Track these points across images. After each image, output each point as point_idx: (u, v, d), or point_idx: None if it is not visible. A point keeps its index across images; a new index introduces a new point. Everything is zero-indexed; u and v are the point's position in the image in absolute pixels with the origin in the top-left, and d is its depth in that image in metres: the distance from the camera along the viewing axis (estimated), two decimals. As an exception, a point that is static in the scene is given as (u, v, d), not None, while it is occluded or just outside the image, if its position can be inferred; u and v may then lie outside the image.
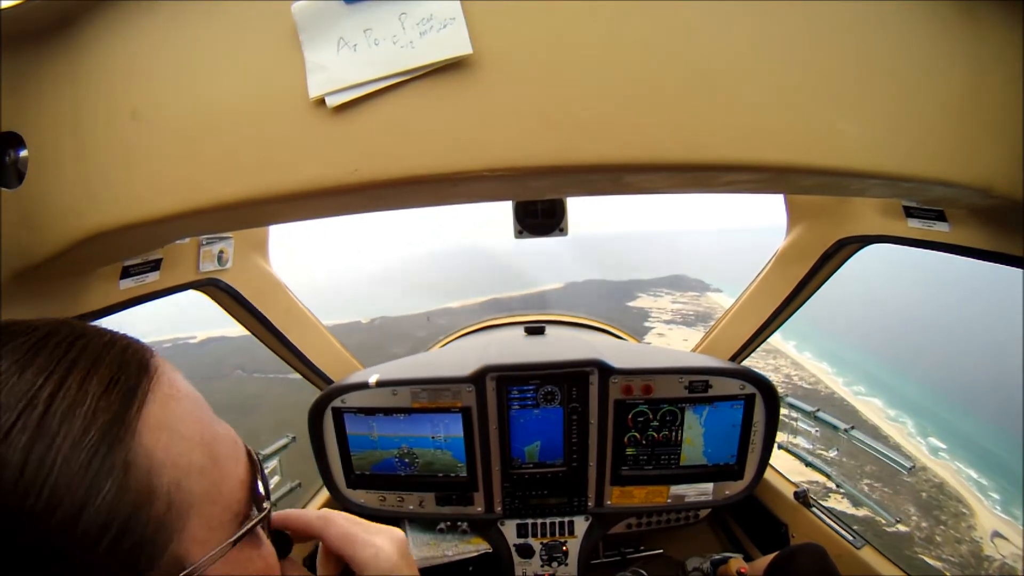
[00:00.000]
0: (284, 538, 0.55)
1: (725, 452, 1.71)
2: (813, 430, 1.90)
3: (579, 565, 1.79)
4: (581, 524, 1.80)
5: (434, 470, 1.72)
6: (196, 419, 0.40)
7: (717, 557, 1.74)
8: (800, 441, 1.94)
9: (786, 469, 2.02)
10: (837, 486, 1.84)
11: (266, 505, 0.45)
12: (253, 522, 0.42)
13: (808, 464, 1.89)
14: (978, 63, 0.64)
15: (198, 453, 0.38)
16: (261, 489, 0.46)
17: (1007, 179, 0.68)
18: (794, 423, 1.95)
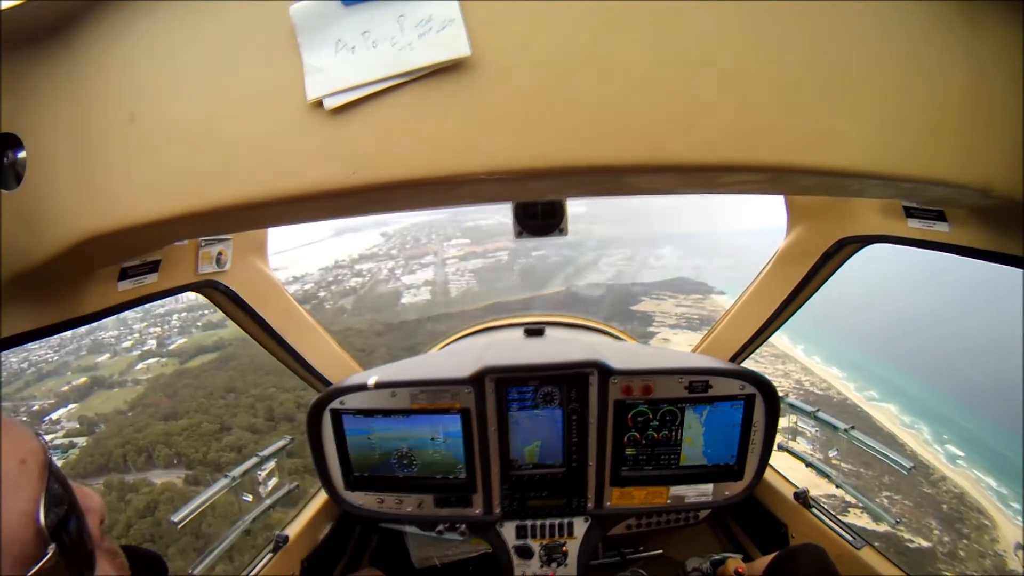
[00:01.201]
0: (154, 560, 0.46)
1: (725, 452, 1.70)
2: (814, 430, 1.87)
3: (578, 566, 1.77)
4: (580, 525, 1.79)
5: (433, 472, 1.72)
6: None
7: (717, 558, 1.73)
8: (801, 442, 1.91)
9: (792, 475, 1.98)
10: (837, 486, 1.81)
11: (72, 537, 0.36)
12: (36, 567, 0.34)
13: (809, 465, 1.86)
14: (978, 63, 0.63)
15: None
16: (77, 523, 0.36)
17: (1007, 179, 0.68)
18: (795, 424, 1.92)
